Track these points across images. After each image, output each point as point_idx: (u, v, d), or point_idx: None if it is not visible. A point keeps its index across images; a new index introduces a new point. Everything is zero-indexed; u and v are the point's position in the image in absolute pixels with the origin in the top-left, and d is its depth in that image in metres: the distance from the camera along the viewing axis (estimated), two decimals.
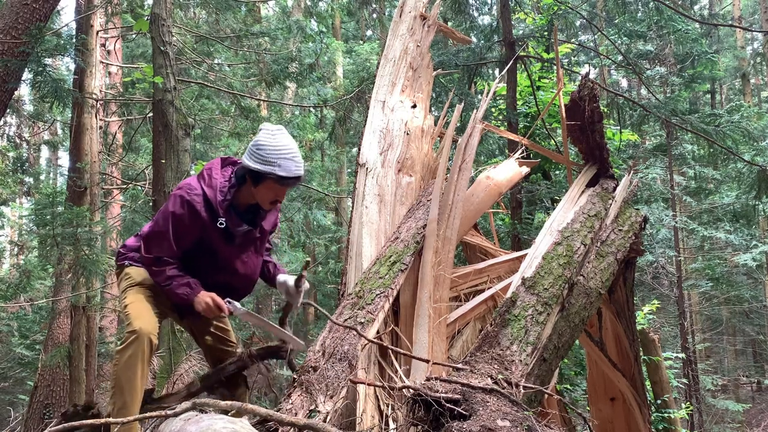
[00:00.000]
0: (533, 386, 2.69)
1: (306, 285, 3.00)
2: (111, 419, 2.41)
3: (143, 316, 2.75)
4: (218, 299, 2.78)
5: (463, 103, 6.88)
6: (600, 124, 4.12)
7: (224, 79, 11.44)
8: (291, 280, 3.03)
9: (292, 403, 2.61)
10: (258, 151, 2.71)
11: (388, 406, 2.89)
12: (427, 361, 2.94)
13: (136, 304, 2.80)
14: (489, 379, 2.58)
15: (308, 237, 13.81)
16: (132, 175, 13.11)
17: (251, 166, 2.71)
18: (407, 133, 4.30)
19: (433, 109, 6.82)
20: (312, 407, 2.58)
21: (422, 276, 3.42)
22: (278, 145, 2.71)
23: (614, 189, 4.05)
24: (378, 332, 3.16)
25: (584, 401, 7.37)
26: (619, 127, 9.52)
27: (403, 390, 2.48)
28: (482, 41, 9.91)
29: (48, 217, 7.26)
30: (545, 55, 9.04)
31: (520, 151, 4.73)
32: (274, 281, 3.12)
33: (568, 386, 7.87)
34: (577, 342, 4.10)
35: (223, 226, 2.77)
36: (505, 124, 8.71)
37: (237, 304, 2.85)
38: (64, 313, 9.22)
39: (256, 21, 12.09)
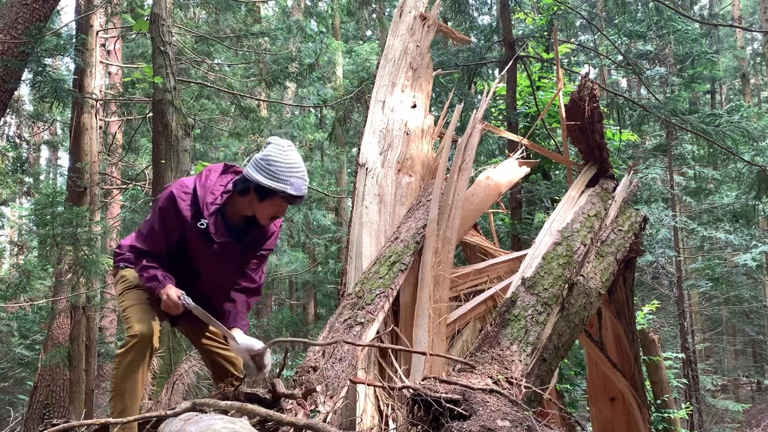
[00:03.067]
0: (533, 387, 2.69)
1: (268, 364, 2.77)
2: (111, 419, 2.42)
3: (144, 319, 2.74)
4: (174, 296, 2.68)
5: (463, 103, 6.88)
6: (600, 124, 4.12)
7: (224, 79, 11.43)
8: (254, 345, 2.76)
9: (291, 403, 2.60)
10: (269, 167, 2.64)
11: (388, 406, 2.89)
12: (424, 354, 2.94)
13: (135, 307, 2.79)
14: (489, 379, 2.58)
15: (308, 237, 13.82)
16: (132, 175, 13.10)
17: (261, 181, 2.63)
18: (407, 133, 4.30)
19: (433, 109, 6.82)
20: (312, 407, 2.58)
21: (422, 276, 3.42)
22: (290, 162, 2.66)
23: (614, 189, 4.05)
24: (378, 332, 3.16)
25: (584, 401, 7.37)
26: (619, 127, 9.52)
27: (403, 390, 2.48)
28: (482, 41, 9.91)
29: (48, 217, 7.25)
30: (545, 55, 9.04)
31: (520, 151, 4.72)
32: (227, 324, 2.85)
33: (568, 386, 7.87)
34: (577, 342, 4.10)
35: (203, 227, 2.72)
36: (505, 124, 8.71)
37: (189, 300, 2.73)
38: (64, 313, 9.21)
39: (256, 21, 12.09)
